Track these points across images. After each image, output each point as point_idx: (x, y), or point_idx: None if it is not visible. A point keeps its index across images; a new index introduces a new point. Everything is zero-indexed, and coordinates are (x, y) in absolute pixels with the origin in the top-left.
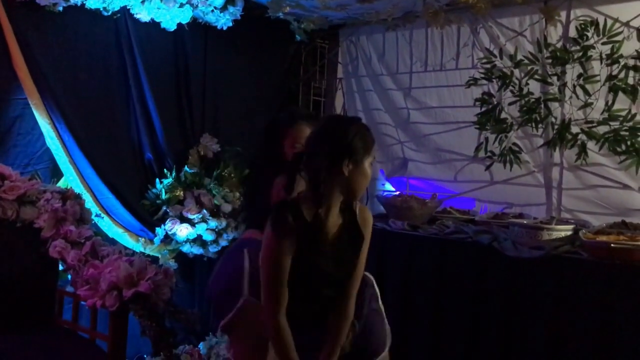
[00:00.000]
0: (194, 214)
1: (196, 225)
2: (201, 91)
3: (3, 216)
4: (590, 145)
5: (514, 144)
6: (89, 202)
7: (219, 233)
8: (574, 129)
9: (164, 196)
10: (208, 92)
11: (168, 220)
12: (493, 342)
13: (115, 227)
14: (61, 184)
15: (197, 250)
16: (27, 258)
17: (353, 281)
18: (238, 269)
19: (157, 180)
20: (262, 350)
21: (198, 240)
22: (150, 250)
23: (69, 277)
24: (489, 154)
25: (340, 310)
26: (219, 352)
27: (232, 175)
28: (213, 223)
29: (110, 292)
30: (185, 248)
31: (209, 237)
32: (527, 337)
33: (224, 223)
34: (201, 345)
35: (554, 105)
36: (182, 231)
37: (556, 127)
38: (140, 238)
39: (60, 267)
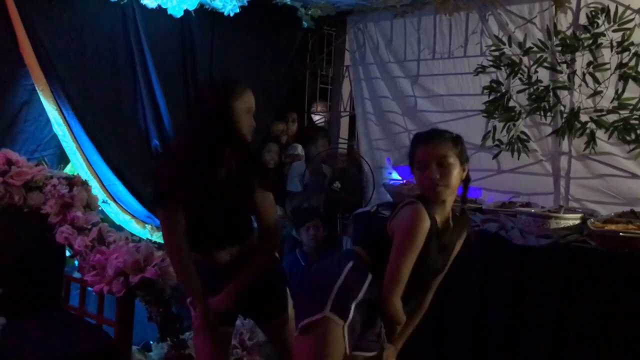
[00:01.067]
0: None
1: None
2: (208, 78)
3: (10, 202)
4: (600, 134)
5: (522, 132)
6: (96, 189)
7: None
8: (583, 118)
9: None
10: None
11: None
12: (500, 330)
13: (122, 213)
14: (68, 170)
15: None
16: (34, 244)
17: (439, 279)
18: (333, 278)
19: None
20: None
21: None
22: (157, 237)
23: (76, 263)
24: (496, 142)
25: (420, 303)
26: None
27: None
28: None
29: (117, 278)
30: None
31: None
32: (534, 325)
33: None
34: None
35: (563, 94)
36: None
37: (565, 115)
38: (146, 225)
39: (67, 253)
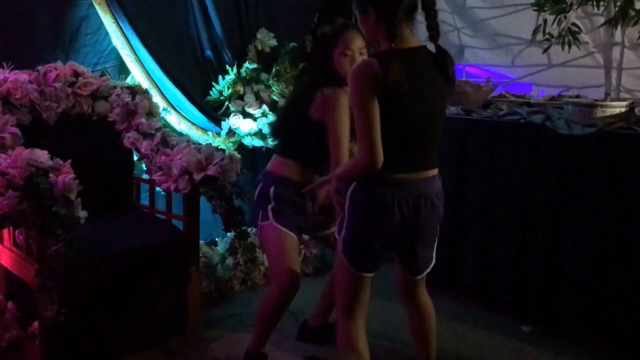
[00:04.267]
0: (255, 110)
1: (257, 119)
2: None
3: (80, 111)
4: None
5: (573, 24)
6: (156, 97)
7: None
8: (638, 5)
9: (226, 92)
10: None
11: (231, 115)
12: (545, 219)
13: (182, 121)
14: (129, 81)
15: (257, 142)
16: (105, 149)
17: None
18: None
19: (220, 76)
20: None
21: (259, 133)
22: (218, 143)
23: (143, 166)
24: (547, 36)
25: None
26: None
27: (288, 70)
28: (272, 118)
29: (182, 177)
30: (247, 140)
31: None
32: (580, 213)
33: None
34: None
35: None
36: (245, 126)
37: (619, 4)
38: (207, 132)
39: (135, 157)
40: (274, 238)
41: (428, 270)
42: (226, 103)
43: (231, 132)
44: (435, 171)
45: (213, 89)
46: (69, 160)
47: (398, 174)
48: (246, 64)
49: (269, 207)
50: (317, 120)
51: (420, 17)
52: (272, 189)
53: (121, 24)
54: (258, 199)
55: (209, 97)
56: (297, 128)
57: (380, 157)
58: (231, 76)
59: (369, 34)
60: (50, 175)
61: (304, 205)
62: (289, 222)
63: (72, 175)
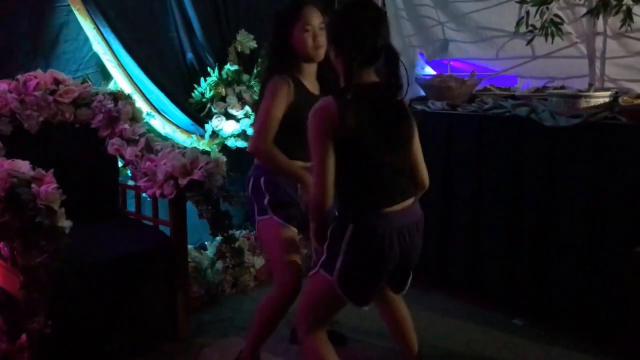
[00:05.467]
0: (237, 111)
1: (240, 120)
2: None
3: (62, 119)
4: (637, 9)
5: (556, 15)
6: (139, 102)
7: None
8: None
9: (208, 94)
10: None
11: (214, 117)
12: (533, 211)
13: (166, 124)
14: (111, 87)
15: (241, 144)
16: (89, 156)
17: None
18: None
19: (202, 78)
20: None
21: (242, 134)
22: (202, 145)
23: (129, 172)
24: (530, 28)
25: None
26: None
27: None
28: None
29: (167, 182)
30: (230, 142)
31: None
32: (567, 205)
33: None
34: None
35: None
36: (228, 127)
37: None
38: (191, 134)
39: (120, 165)
40: (275, 233)
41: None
42: (208, 105)
43: (214, 134)
44: (412, 200)
45: (195, 91)
46: (51, 170)
47: (386, 209)
48: (227, 66)
49: (266, 200)
50: None
51: (404, 13)
52: (262, 179)
53: (102, 29)
54: (252, 194)
55: (191, 100)
56: None
57: (328, 195)
58: (213, 78)
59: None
60: (33, 185)
61: (292, 194)
62: (288, 215)
63: (55, 185)
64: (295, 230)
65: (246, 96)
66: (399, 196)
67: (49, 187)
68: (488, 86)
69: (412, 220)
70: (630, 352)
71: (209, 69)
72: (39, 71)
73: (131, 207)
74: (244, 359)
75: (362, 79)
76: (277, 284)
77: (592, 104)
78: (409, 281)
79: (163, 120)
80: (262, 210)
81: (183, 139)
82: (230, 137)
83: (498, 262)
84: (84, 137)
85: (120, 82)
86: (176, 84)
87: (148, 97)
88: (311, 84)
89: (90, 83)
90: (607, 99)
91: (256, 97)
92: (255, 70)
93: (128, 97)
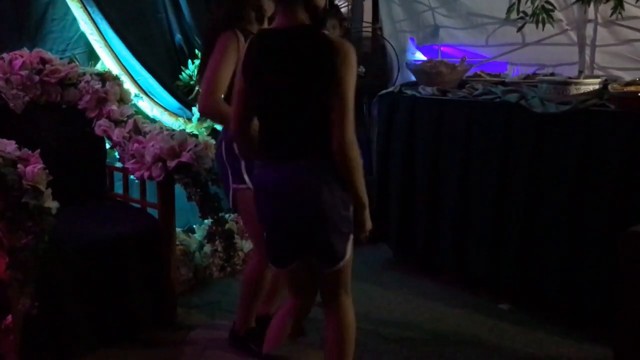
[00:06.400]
0: None
1: None
2: None
3: (48, 99)
4: None
5: (547, 2)
6: (127, 84)
7: None
8: None
9: (196, 77)
10: None
11: None
12: (521, 196)
13: (155, 107)
14: (99, 68)
15: None
16: (76, 138)
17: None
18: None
19: (189, 61)
20: None
21: None
22: (189, 129)
23: (116, 154)
24: (521, 14)
25: None
26: None
27: None
28: None
29: (156, 164)
30: (219, 125)
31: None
32: (555, 191)
33: None
34: None
35: None
36: None
37: None
38: (179, 117)
39: (107, 146)
40: (251, 201)
41: None
42: (196, 88)
43: (202, 117)
44: (299, 161)
45: (183, 73)
46: (38, 150)
47: (265, 158)
48: None
49: (242, 167)
50: None
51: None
52: None
53: (89, 9)
54: (227, 158)
55: (178, 82)
56: None
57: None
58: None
59: None
60: (19, 165)
61: None
62: None
63: (41, 166)
64: None
65: None
66: (276, 152)
67: (35, 168)
68: (478, 72)
69: (279, 181)
70: (622, 330)
71: (197, 51)
72: (25, 50)
73: (119, 189)
74: (239, 330)
75: (278, 21)
76: (256, 251)
77: (582, 91)
78: (329, 258)
79: (151, 102)
80: (238, 178)
81: (171, 121)
82: None
83: (485, 246)
84: (71, 118)
85: (107, 63)
86: (164, 65)
87: (136, 78)
88: None
89: (77, 63)
90: (596, 87)
91: None
92: None
93: (116, 78)
